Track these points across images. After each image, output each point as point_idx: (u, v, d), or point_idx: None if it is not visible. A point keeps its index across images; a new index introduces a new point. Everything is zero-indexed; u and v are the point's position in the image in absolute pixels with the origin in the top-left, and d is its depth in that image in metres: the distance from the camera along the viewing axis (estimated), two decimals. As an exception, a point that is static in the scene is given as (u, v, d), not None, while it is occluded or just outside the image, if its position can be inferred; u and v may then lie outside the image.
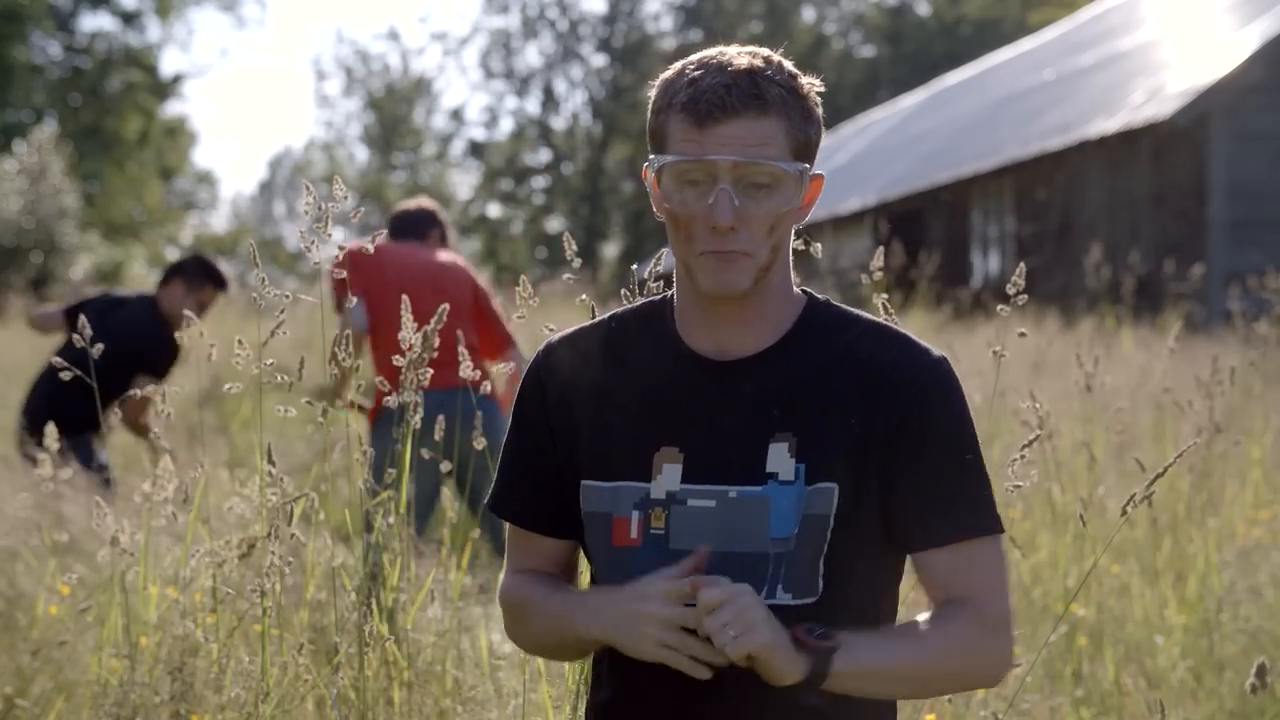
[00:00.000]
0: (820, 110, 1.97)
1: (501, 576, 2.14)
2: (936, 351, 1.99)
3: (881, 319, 2.05)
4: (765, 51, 1.95)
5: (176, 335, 6.12)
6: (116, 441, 7.35)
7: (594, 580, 2.03)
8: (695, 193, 1.91)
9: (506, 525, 2.12)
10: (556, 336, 2.10)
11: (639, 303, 2.11)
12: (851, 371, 1.95)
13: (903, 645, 1.91)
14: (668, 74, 1.97)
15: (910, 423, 1.93)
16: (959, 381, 1.98)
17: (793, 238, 2.02)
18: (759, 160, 1.88)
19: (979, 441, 1.98)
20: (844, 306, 2.04)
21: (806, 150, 1.94)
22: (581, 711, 2.55)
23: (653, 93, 1.99)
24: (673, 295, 2.05)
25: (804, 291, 2.04)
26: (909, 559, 2.01)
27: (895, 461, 1.93)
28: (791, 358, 1.97)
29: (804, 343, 1.98)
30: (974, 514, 1.95)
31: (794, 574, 1.92)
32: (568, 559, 2.11)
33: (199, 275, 6.42)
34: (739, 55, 1.93)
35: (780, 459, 1.92)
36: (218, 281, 6.47)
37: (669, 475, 1.93)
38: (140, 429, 6.13)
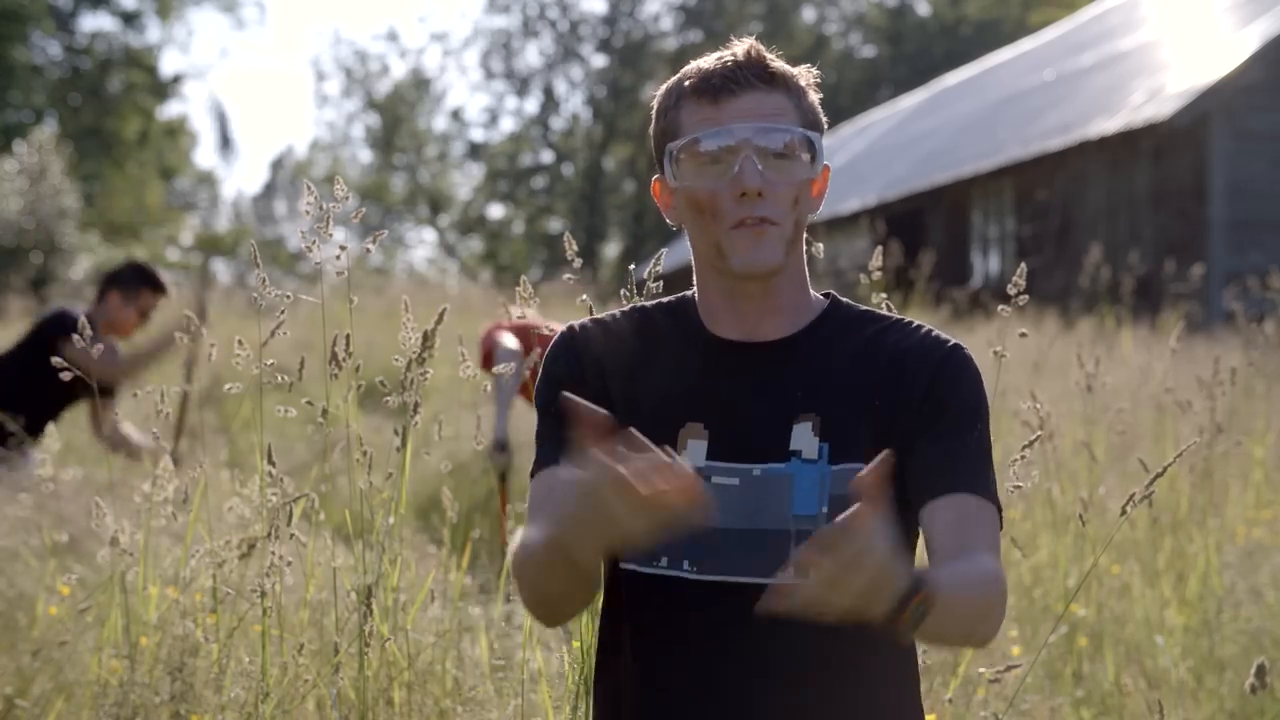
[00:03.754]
0: (819, 104, 2.02)
1: (513, 544, 2.04)
2: (955, 340, 2.03)
3: (902, 316, 2.08)
4: (753, 43, 2.00)
5: (114, 347, 6.13)
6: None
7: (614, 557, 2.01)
8: (718, 170, 1.94)
9: (530, 491, 2.05)
10: (582, 319, 2.10)
11: (661, 299, 2.12)
12: (877, 362, 1.98)
13: (968, 587, 1.83)
14: (667, 83, 2.02)
15: (933, 394, 1.95)
16: (976, 366, 2.00)
17: (804, 234, 2.04)
18: (782, 125, 1.93)
19: (989, 424, 2.00)
20: (865, 306, 2.08)
21: (816, 127, 1.99)
22: (582, 712, 2.55)
23: (655, 104, 2.02)
24: (694, 293, 2.07)
25: (826, 294, 2.07)
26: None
27: (915, 428, 1.95)
28: (817, 345, 2.00)
29: (830, 333, 2.01)
30: (977, 476, 1.95)
31: None
32: None
33: (134, 282, 6.27)
34: (738, 44, 1.99)
35: (804, 437, 1.94)
36: (155, 285, 6.29)
37: (694, 451, 1.94)
38: (116, 445, 6.08)
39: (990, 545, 1.93)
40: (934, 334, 2.02)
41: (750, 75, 1.95)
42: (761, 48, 1.99)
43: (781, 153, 1.94)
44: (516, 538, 2.05)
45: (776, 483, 1.93)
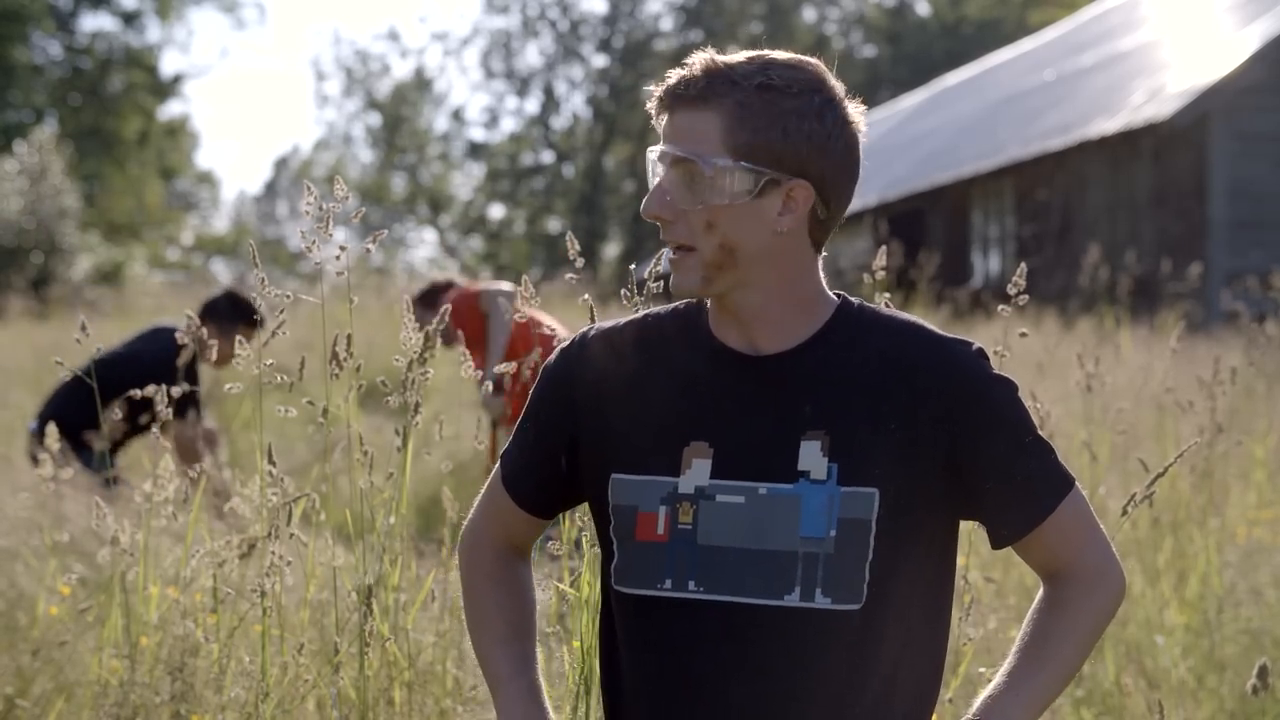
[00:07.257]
0: (815, 118, 1.95)
1: (471, 517, 2.16)
2: (973, 344, 1.98)
3: (915, 319, 2.02)
4: (757, 52, 1.93)
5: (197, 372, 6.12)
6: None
7: (616, 570, 2.01)
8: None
9: (493, 477, 2.13)
10: (593, 329, 2.08)
11: (676, 304, 2.09)
12: (893, 377, 1.93)
13: (1046, 674, 1.96)
14: None
15: (968, 432, 1.93)
16: (995, 369, 1.97)
17: (796, 244, 1.96)
18: (677, 152, 1.90)
19: (1029, 412, 1.98)
20: (878, 308, 2.02)
21: (755, 152, 1.89)
22: (582, 712, 2.55)
23: None
24: None
25: (836, 295, 2.02)
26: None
27: (961, 472, 1.93)
28: (825, 355, 1.95)
29: (838, 341, 1.96)
30: (1048, 490, 1.97)
31: (834, 578, 1.90)
32: (532, 536, 2.16)
33: (231, 316, 6.20)
34: (717, 52, 1.93)
35: (812, 457, 1.91)
36: (251, 320, 6.13)
37: (698, 470, 1.92)
38: (186, 455, 6.04)
39: (1080, 545, 1.99)
40: (949, 347, 1.96)
41: (675, 95, 1.90)
42: (726, 60, 1.90)
43: (690, 180, 1.90)
44: (476, 523, 2.15)
45: (783, 503, 1.91)
